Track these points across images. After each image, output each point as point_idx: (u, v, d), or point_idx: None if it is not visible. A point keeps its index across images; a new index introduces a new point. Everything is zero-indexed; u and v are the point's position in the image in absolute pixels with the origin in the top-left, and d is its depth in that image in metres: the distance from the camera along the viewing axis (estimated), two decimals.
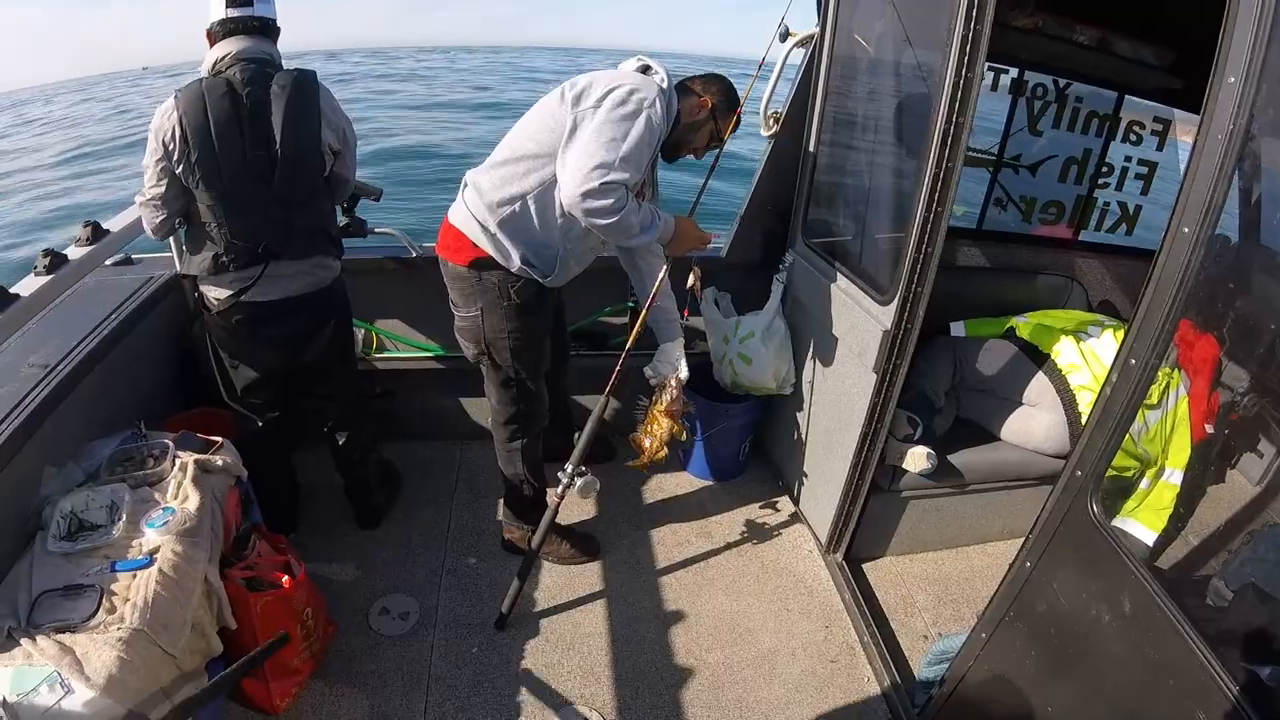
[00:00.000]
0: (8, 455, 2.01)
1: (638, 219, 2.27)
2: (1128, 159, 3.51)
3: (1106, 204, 3.57)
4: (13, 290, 2.20)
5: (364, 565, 2.84)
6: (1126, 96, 3.39)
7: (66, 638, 1.74)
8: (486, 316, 2.44)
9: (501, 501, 2.89)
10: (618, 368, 2.60)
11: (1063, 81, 3.32)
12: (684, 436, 2.79)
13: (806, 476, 3.09)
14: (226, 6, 2.27)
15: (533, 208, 2.31)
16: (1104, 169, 3.52)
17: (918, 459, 2.69)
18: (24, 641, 1.73)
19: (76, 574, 1.92)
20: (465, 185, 2.42)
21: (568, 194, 2.19)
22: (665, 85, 2.30)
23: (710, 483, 3.38)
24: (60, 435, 2.24)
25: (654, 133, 2.23)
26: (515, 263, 2.35)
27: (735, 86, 2.53)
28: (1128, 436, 2.19)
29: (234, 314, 2.41)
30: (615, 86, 2.21)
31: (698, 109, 2.45)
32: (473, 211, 2.36)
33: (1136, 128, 3.45)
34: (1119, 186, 3.55)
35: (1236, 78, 1.34)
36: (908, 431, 2.71)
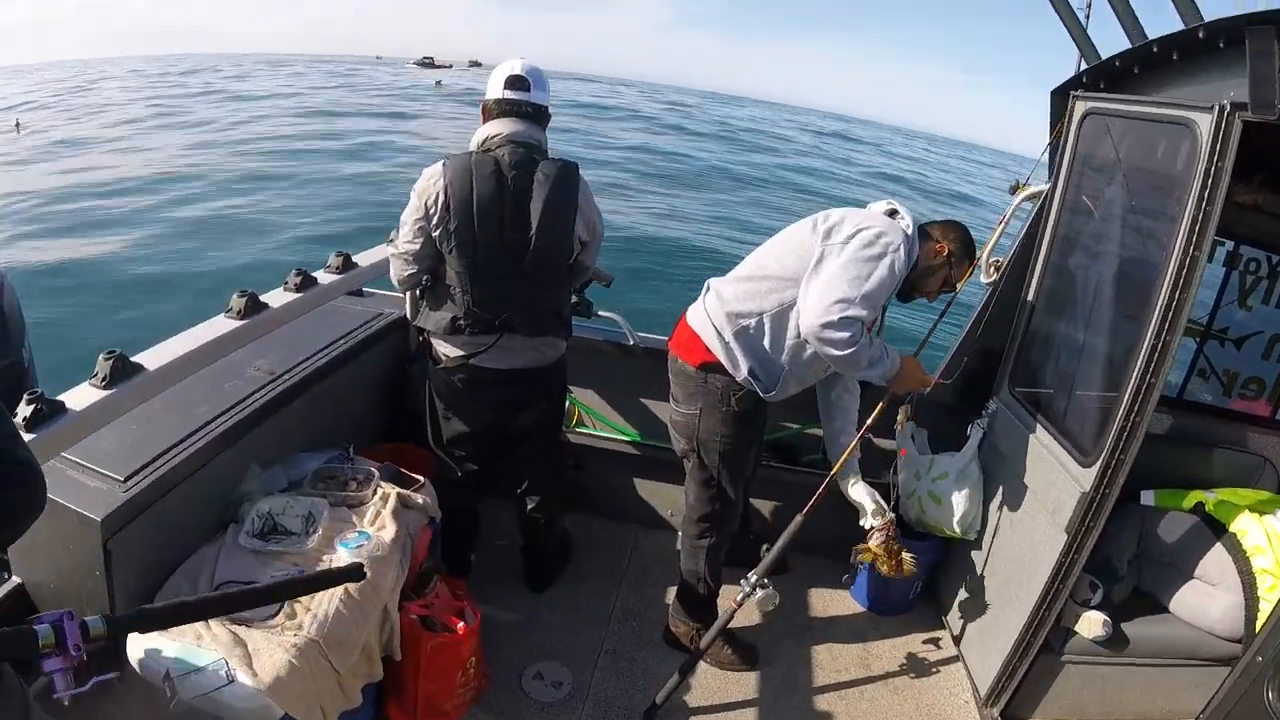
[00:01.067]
0: (219, 446, 2.17)
1: (868, 354, 2.34)
2: None
3: None
4: (263, 298, 2.39)
5: (527, 626, 2.90)
6: None
7: (242, 630, 1.83)
8: (704, 417, 2.54)
9: (674, 593, 2.91)
10: (820, 492, 2.63)
11: (1276, 258, 3.25)
12: (904, 567, 2.78)
13: (976, 625, 3.01)
14: (504, 88, 2.46)
15: (767, 325, 2.42)
16: None
17: (1093, 625, 2.61)
18: (198, 622, 1.80)
19: (262, 572, 2.03)
20: (707, 290, 2.56)
21: (807, 321, 2.30)
22: (910, 231, 2.41)
23: (877, 615, 3.30)
24: (271, 439, 2.40)
25: (895, 276, 2.34)
26: (742, 373, 2.45)
27: (971, 237, 2.61)
28: None
29: (460, 373, 2.57)
30: (865, 227, 2.34)
31: (935, 254, 2.55)
32: (711, 317, 2.48)
33: None
34: None
35: None
36: (1087, 596, 2.63)
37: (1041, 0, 2.65)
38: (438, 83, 63.63)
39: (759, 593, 2.58)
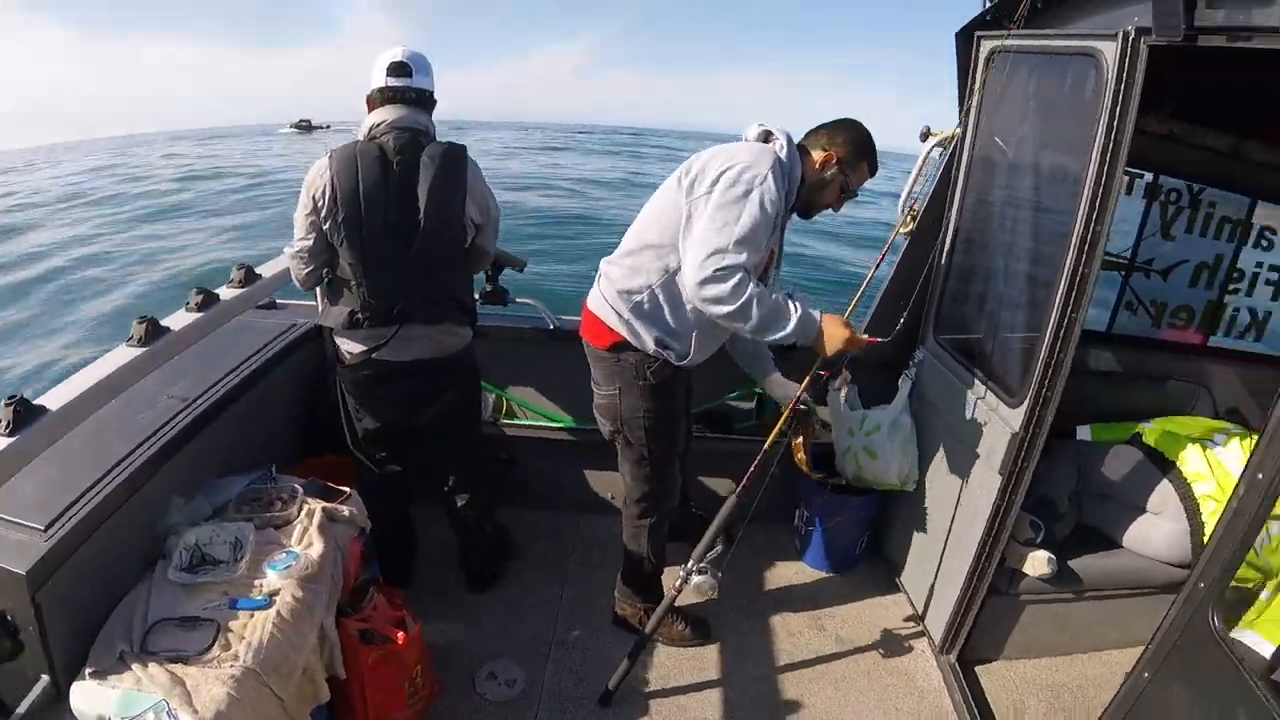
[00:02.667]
0: (138, 482, 2.11)
1: (764, 307, 2.21)
2: (1259, 264, 3.45)
3: (1237, 310, 3.50)
4: (164, 323, 2.31)
5: (473, 628, 2.86)
6: (1260, 201, 3.33)
7: (179, 668, 1.78)
8: (624, 396, 2.50)
9: (619, 576, 2.89)
10: (751, 469, 2.58)
11: (1196, 186, 3.28)
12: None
13: (924, 574, 3.03)
14: (387, 75, 2.42)
15: (660, 296, 2.36)
16: (1235, 274, 3.45)
17: (1038, 563, 2.64)
18: (135, 666, 1.78)
19: (194, 606, 1.97)
20: (600, 274, 2.51)
21: (689, 286, 2.21)
22: (783, 152, 2.32)
23: (825, 574, 3.32)
24: (191, 468, 2.34)
25: (769, 210, 2.21)
26: (651, 346, 2.41)
27: (867, 132, 2.47)
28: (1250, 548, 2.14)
29: (363, 369, 2.54)
30: (727, 168, 2.22)
31: (824, 164, 2.42)
32: (607, 299, 2.44)
33: (1269, 233, 3.39)
34: (1249, 292, 3.48)
35: None
36: (1029, 535, 2.66)
37: None
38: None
39: (696, 578, 2.52)
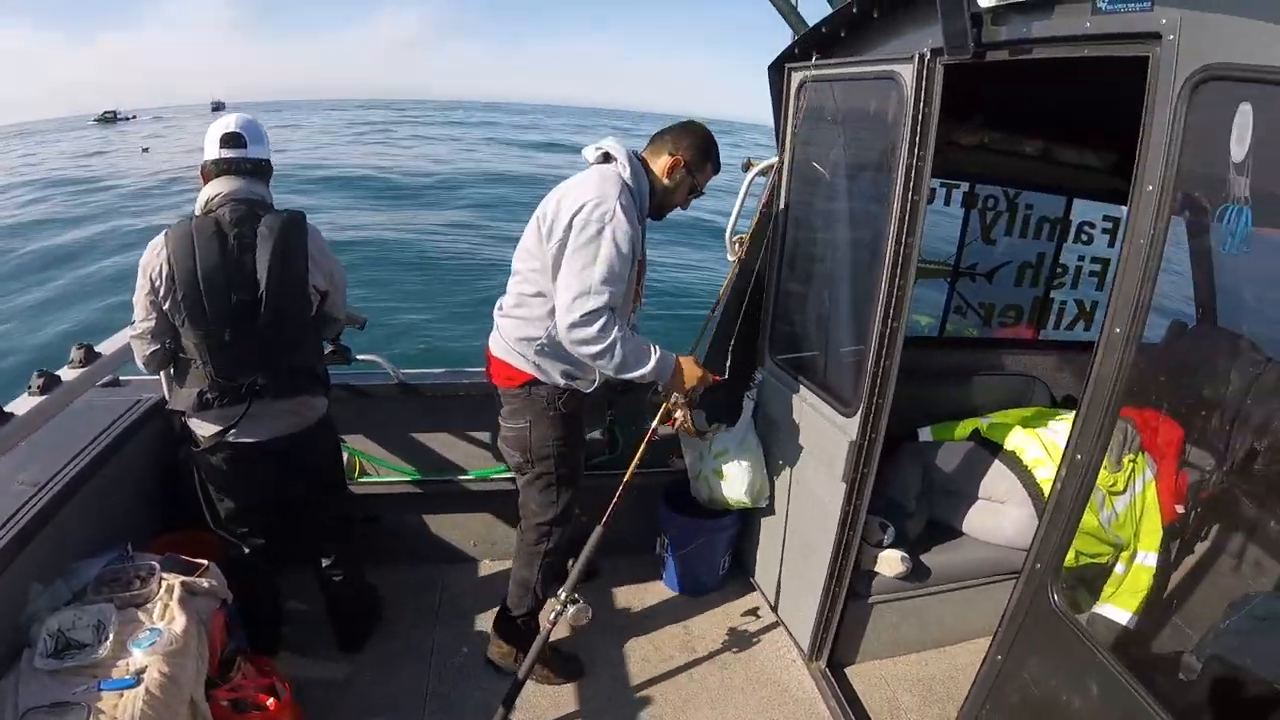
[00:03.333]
0: None
1: (629, 347, 2.31)
2: (1081, 258, 3.70)
3: (1064, 303, 3.73)
4: (7, 409, 2.22)
5: (348, 687, 2.79)
6: (1075, 200, 3.57)
7: None
8: (534, 427, 2.53)
9: (496, 617, 2.84)
10: (615, 500, 2.60)
11: (1013, 191, 3.49)
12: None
13: (786, 586, 3.10)
14: (220, 147, 2.36)
15: (555, 338, 2.38)
16: (1059, 270, 3.68)
17: (892, 563, 2.73)
18: None
19: (63, 692, 1.91)
20: (495, 324, 2.55)
21: (560, 330, 2.28)
22: (626, 172, 2.39)
23: (693, 597, 3.34)
24: (48, 553, 2.25)
25: (623, 244, 2.27)
26: (560, 380, 2.47)
27: (709, 134, 2.56)
28: (1098, 525, 2.28)
29: (220, 451, 2.44)
30: (577, 209, 2.28)
31: (670, 170, 2.49)
32: (510, 345, 2.48)
33: (1087, 228, 3.65)
34: (1074, 285, 3.72)
35: (1154, 185, 1.46)
36: (880, 537, 2.76)
37: None
38: (144, 150, 49.06)
39: (571, 609, 2.53)
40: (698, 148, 2.51)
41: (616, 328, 2.26)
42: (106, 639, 2.04)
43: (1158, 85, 1.47)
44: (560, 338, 2.30)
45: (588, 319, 2.22)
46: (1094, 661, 1.65)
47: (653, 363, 2.36)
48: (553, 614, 2.56)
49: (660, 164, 2.49)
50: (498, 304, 2.57)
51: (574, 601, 2.56)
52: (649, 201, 2.48)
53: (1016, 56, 1.87)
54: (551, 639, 2.66)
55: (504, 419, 2.62)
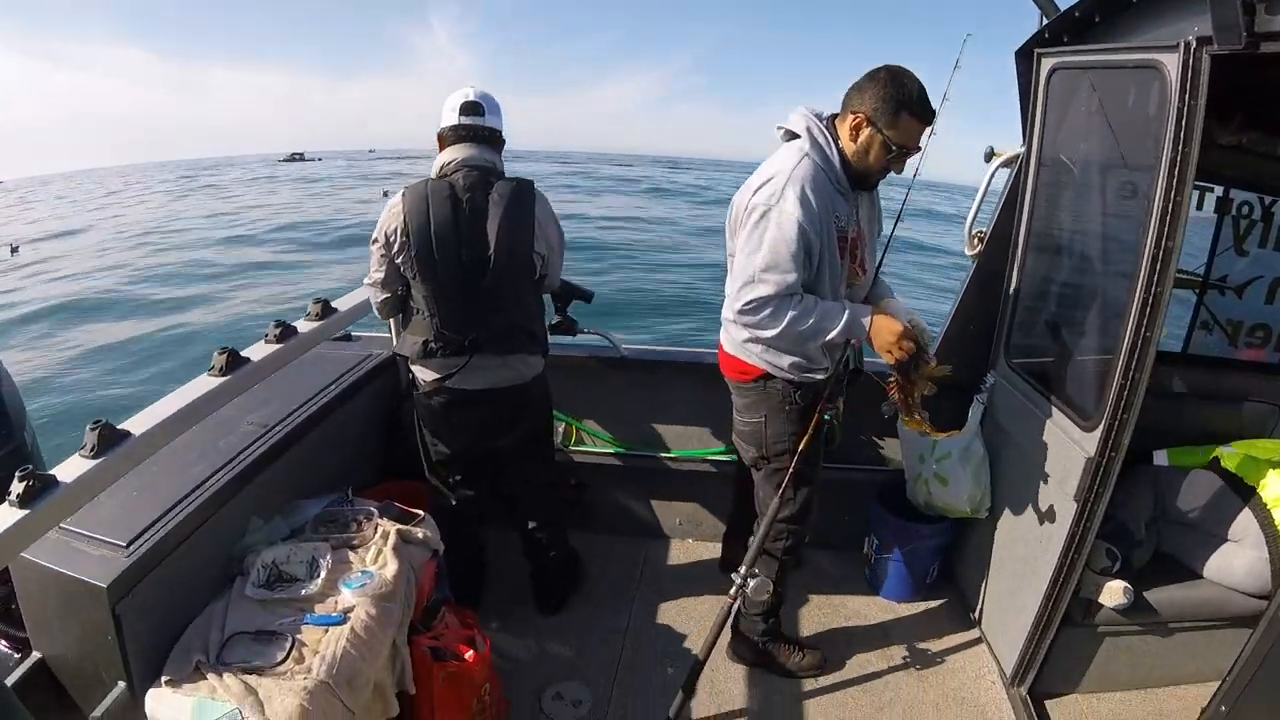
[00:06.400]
0: (218, 502, 2.20)
1: (803, 326, 2.23)
2: None
3: None
4: (244, 354, 2.39)
5: (542, 649, 2.89)
6: None
7: (252, 679, 1.84)
8: (770, 422, 2.52)
9: (734, 609, 2.69)
10: (788, 477, 2.52)
11: (1269, 199, 3.19)
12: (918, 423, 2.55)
13: (995, 604, 2.97)
14: (460, 114, 2.51)
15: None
16: None
17: (1115, 594, 2.56)
18: (210, 676, 1.85)
19: (270, 620, 2.04)
20: (723, 324, 2.54)
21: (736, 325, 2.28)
22: (806, 146, 2.24)
23: (895, 603, 3.27)
24: (269, 490, 2.43)
25: (789, 224, 2.16)
26: (791, 374, 2.44)
27: (900, 75, 2.21)
28: None
29: (438, 396, 2.60)
30: (752, 193, 2.25)
31: (854, 131, 2.24)
32: (740, 343, 2.49)
33: None
34: None
35: None
36: (1106, 564, 2.59)
37: None
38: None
39: (751, 582, 2.44)
40: (882, 98, 2.18)
41: (791, 309, 2.21)
42: (318, 576, 2.17)
43: None
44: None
45: (752, 308, 2.22)
46: None
47: (842, 322, 2.24)
48: (734, 590, 2.49)
49: (845, 127, 2.26)
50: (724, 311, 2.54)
51: (754, 575, 2.47)
52: (845, 171, 2.28)
53: None
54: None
55: (738, 412, 2.61)
